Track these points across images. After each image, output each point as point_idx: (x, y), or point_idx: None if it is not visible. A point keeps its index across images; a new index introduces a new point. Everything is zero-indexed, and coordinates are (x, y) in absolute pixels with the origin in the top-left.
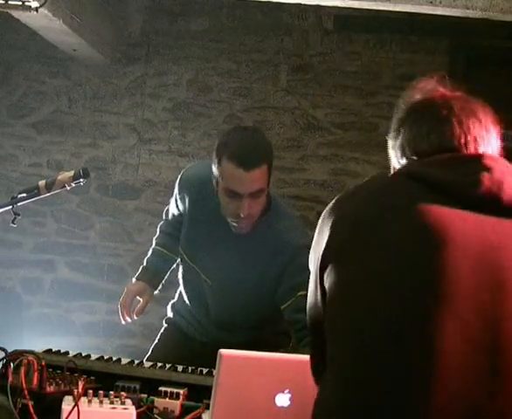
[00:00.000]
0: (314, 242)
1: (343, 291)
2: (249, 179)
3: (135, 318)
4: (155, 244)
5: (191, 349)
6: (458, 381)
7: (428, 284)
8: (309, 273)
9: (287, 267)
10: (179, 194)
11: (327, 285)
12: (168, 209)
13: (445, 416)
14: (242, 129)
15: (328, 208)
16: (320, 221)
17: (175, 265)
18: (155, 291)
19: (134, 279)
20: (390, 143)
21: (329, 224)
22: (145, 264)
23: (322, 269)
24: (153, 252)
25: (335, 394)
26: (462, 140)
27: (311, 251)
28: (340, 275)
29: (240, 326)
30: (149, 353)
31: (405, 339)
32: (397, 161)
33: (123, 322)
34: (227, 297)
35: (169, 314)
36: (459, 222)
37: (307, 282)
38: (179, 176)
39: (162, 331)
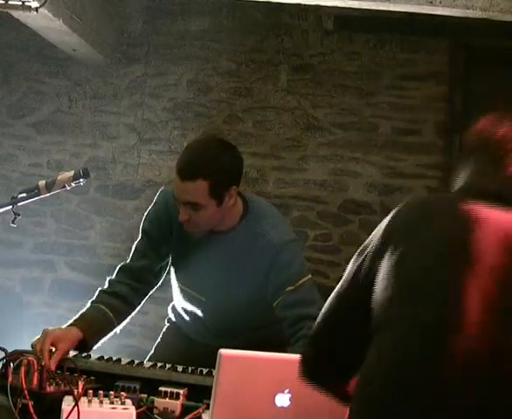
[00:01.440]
0: (363, 246)
1: (404, 279)
2: (182, 189)
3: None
4: (98, 302)
5: (194, 350)
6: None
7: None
8: (294, 267)
9: (272, 266)
10: (164, 215)
11: (377, 276)
12: (136, 247)
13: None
14: (200, 140)
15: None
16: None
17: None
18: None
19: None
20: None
21: (387, 220)
22: (84, 311)
23: (373, 260)
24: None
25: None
26: None
27: (356, 255)
28: (393, 267)
29: (242, 331)
30: (152, 353)
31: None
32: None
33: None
34: (224, 310)
35: (170, 316)
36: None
37: (295, 275)
38: (157, 200)
39: (164, 330)
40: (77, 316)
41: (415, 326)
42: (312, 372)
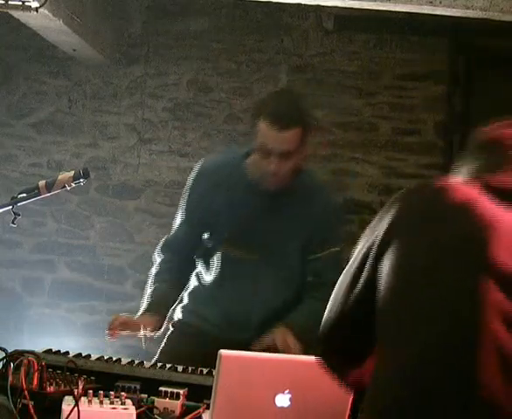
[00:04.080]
0: (369, 228)
1: (409, 273)
2: (281, 139)
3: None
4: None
5: (202, 347)
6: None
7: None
8: (338, 231)
9: (320, 218)
10: (207, 188)
11: (382, 269)
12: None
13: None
14: (280, 92)
15: (394, 195)
16: (384, 207)
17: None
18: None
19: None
20: (465, 162)
21: (392, 211)
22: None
23: (378, 254)
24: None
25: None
26: None
27: (363, 237)
28: (400, 260)
29: (274, 309)
30: (157, 357)
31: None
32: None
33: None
34: (273, 268)
35: (179, 316)
36: None
37: (337, 238)
38: (196, 174)
39: (168, 334)
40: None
41: (431, 343)
42: (327, 359)
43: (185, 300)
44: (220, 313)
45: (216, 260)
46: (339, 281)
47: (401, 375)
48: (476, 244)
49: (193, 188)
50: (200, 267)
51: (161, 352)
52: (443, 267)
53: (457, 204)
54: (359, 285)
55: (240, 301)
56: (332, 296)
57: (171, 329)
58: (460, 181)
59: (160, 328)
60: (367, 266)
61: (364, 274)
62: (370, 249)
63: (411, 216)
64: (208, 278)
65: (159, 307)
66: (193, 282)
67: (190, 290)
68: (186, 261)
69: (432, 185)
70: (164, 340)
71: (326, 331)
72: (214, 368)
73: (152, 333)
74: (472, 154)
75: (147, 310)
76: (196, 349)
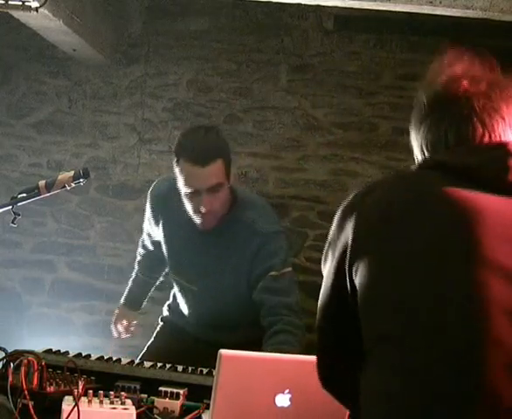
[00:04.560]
0: (331, 239)
1: (387, 276)
2: (206, 174)
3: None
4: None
5: (185, 345)
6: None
7: (471, 252)
8: (279, 257)
9: (257, 254)
10: (151, 207)
11: (359, 277)
12: (143, 239)
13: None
14: (196, 129)
15: (345, 203)
16: (338, 217)
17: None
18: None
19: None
20: (413, 134)
21: (352, 218)
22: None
23: (352, 264)
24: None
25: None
26: (486, 139)
27: (327, 250)
28: (379, 261)
29: (234, 325)
30: (144, 351)
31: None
32: (419, 152)
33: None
34: (213, 299)
35: (165, 313)
36: (492, 204)
37: (279, 264)
38: (149, 196)
39: (158, 329)
40: (127, 293)
41: (430, 341)
42: (324, 372)
43: (170, 298)
44: (193, 315)
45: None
46: (319, 306)
47: (401, 378)
48: (463, 236)
49: (146, 209)
50: None
51: (148, 347)
52: (424, 266)
53: (421, 191)
54: (338, 295)
55: (193, 324)
56: (317, 319)
57: (161, 324)
58: (420, 166)
59: (137, 311)
60: (342, 280)
61: (340, 288)
62: (339, 263)
63: (375, 217)
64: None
65: (131, 300)
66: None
67: (174, 289)
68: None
69: (387, 180)
70: (154, 335)
71: (324, 374)
72: (206, 368)
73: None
74: (422, 119)
75: (125, 302)
76: (177, 345)
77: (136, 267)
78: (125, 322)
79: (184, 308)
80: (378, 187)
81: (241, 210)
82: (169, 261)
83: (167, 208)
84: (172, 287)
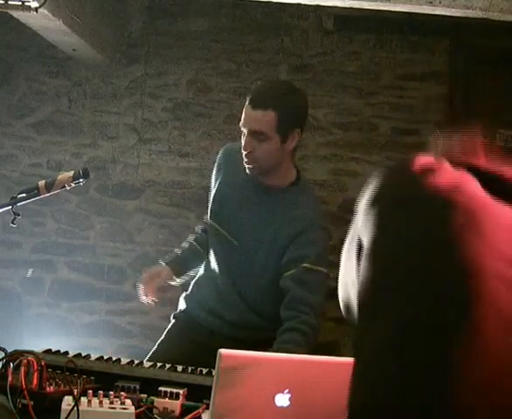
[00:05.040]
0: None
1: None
2: (252, 117)
3: (154, 298)
4: (192, 240)
5: (197, 342)
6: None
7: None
8: (316, 249)
9: (297, 237)
10: (217, 164)
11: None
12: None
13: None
14: (278, 81)
15: (370, 183)
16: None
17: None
18: (177, 280)
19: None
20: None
21: (369, 199)
22: (178, 252)
23: (358, 249)
24: (188, 247)
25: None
26: None
27: (350, 231)
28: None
29: (257, 305)
30: (155, 348)
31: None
32: None
33: (143, 300)
34: (249, 258)
35: (181, 306)
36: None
37: (315, 257)
38: (217, 158)
39: (169, 327)
40: (173, 256)
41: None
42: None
43: (189, 290)
44: (209, 307)
45: (208, 244)
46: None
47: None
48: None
49: (213, 172)
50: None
51: (158, 344)
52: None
53: (440, 191)
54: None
55: (223, 296)
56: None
57: (172, 321)
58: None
59: (177, 276)
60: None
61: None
62: (351, 243)
63: (387, 203)
64: (204, 265)
65: (176, 262)
66: (199, 271)
67: (195, 279)
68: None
69: (411, 167)
70: (164, 333)
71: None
72: (213, 368)
73: (170, 282)
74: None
75: (168, 262)
76: (188, 342)
77: (196, 233)
78: (158, 279)
79: (221, 276)
80: (401, 171)
81: (300, 190)
82: (214, 208)
83: (229, 163)
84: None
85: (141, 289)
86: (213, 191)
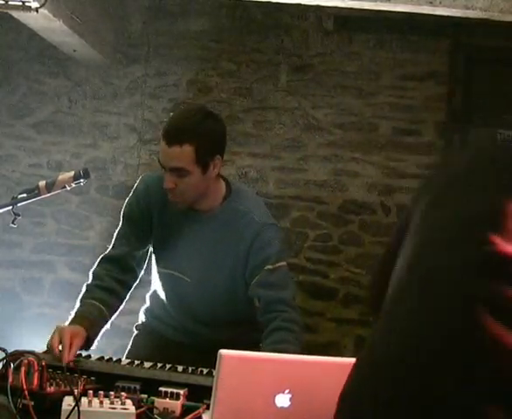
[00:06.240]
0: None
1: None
2: (169, 154)
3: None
4: (91, 298)
5: (166, 352)
6: None
7: None
8: (274, 248)
9: (252, 244)
10: (138, 197)
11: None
12: (118, 233)
13: None
14: (190, 110)
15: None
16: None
17: (142, 272)
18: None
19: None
20: None
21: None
22: (81, 308)
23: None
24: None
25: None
26: None
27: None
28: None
29: (223, 321)
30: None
31: None
32: None
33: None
34: (207, 290)
35: (142, 319)
36: None
37: (274, 256)
38: (137, 186)
39: (133, 337)
40: (75, 314)
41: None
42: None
43: (147, 303)
44: (171, 321)
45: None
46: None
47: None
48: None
49: (135, 202)
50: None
51: (126, 356)
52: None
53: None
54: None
55: (178, 319)
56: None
57: (136, 332)
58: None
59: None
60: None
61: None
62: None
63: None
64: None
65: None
66: (152, 285)
67: (150, 292)
68: (126, 270)
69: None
70: (130, 344)
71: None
72: (203, 368)
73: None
74: None
75: (77, 322)
76: (158, 352)
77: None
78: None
79: (171, 305)
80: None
81: (236, 201)
82: (157, 252)
83: (154, 197)
84: (148, 291)
85: (58, 353)
86: (152, 237)
